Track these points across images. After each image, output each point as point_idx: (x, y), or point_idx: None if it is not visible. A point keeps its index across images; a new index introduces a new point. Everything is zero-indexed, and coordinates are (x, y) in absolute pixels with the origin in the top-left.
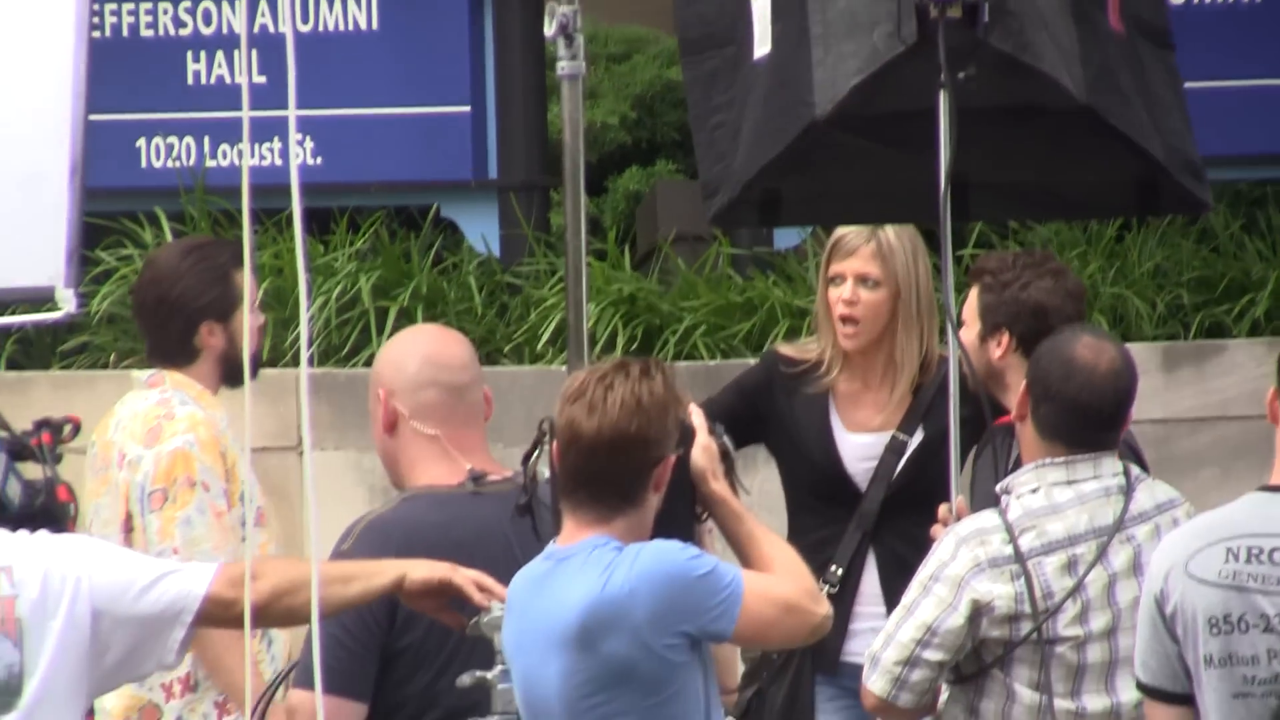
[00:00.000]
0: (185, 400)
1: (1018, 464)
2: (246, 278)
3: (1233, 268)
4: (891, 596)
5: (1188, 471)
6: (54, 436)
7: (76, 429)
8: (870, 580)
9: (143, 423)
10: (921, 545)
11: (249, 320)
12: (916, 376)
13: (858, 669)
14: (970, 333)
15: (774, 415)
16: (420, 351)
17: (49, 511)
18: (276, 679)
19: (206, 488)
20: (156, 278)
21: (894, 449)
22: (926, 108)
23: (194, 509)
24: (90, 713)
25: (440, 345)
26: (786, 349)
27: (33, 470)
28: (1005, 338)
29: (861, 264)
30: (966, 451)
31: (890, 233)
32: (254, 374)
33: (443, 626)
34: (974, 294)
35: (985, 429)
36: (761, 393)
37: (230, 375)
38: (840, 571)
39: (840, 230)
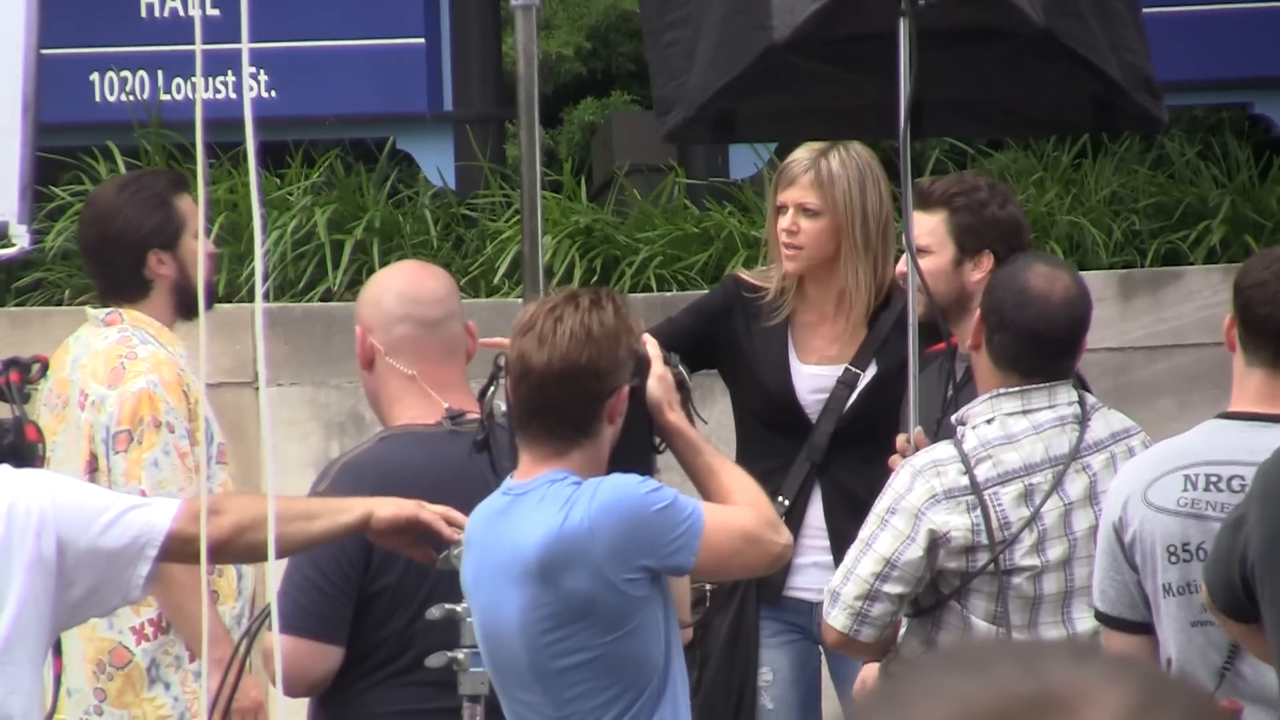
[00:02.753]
0: (146, 339)
1: (961, 388)
2: (201, 208)
3: (1189, 194)
4: (835, 530)
5: (1144, 400)
6: (22, 375)
7: (45, 368)
8: (815, 513)
9: (104, 362)
10: (868, 480)
11: (202, 248)
12: (869, 307)
13: (801, 603)
14: (941, 258)
15: (732, 340)
16: (395, 287)
17: (17, 450)
18: (251, 624)
19: (171, 429)
20: (96, 216)
21: (846, 382)
22: (885, 31)
23: (160, 450)
24: (58, 654)
25: (414, 280)
26: (747, 275)
27: (0, 410)
28: (988, 259)
29: (800, 193)
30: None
31: (835, 160)
32: (209, 304)
33: (419, 568)
34: (940, 218)
35: (940, 361)
36: (721, 317)
37: (185, 306)
38: (786, 503)
39: (787, 159)
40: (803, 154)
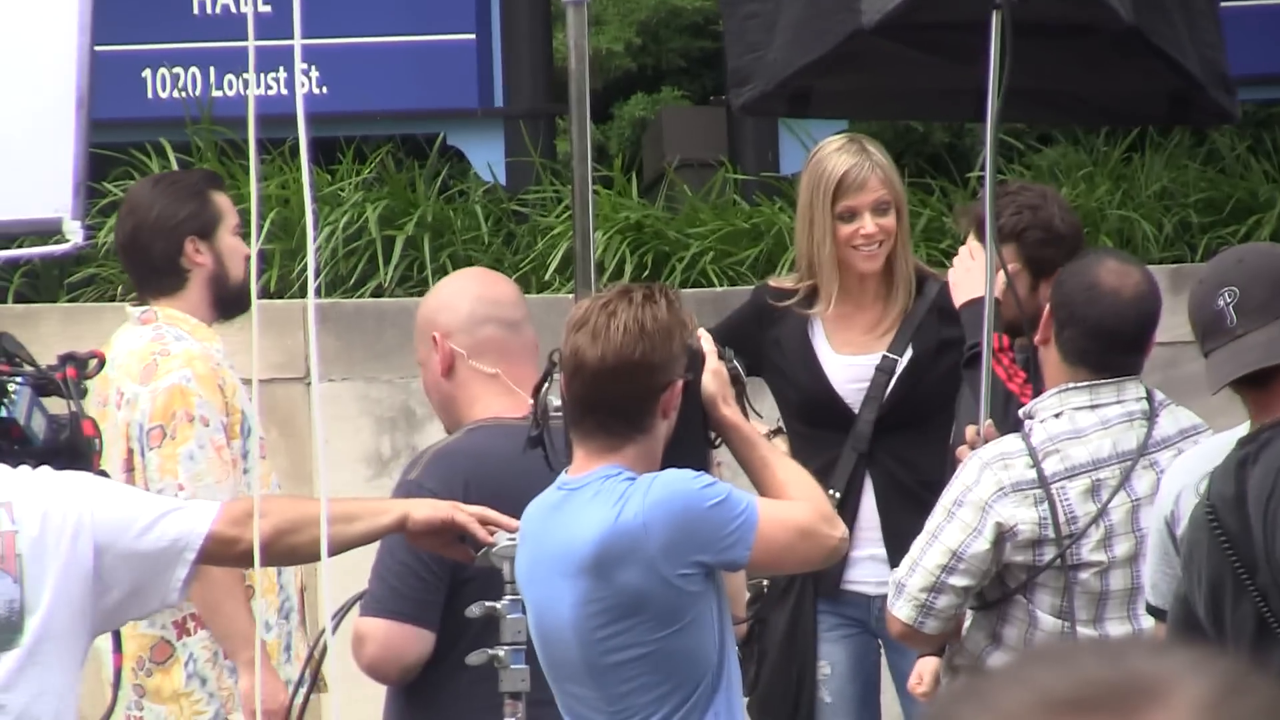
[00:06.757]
0: (180, 335)
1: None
2: (254, 205)
3: (1239, 189)
4: (888, 520)
5: (1193, 394)
6: (78, 371)
7: (101, 363)
8: (868, 505)
9: (138, 359)
10: (916, 466)
11: (229, 244)
12: (913, 293)
13: (859, 596)
14: (1019, 286)
15: (762, 346)
16: (472, 292)
17: (73, 446)
18: (343, 608)
19: (205, 422)
20: (132, 208)
21: (884, 369)
22: (973, 20)
23: (194, 444)
24: (118, 650)
25: (490, 284)
26: (775, 281)
27: (57, 405)
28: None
29: (875, 194)
30: (954, 373)
31: (874, 150)
32: (246, 305)
33: None
34: (1010, 250)
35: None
36: (749, 324)
37: (223, 302)
38: (838, 496)
39: (833, 166)
40: (845, 157)
